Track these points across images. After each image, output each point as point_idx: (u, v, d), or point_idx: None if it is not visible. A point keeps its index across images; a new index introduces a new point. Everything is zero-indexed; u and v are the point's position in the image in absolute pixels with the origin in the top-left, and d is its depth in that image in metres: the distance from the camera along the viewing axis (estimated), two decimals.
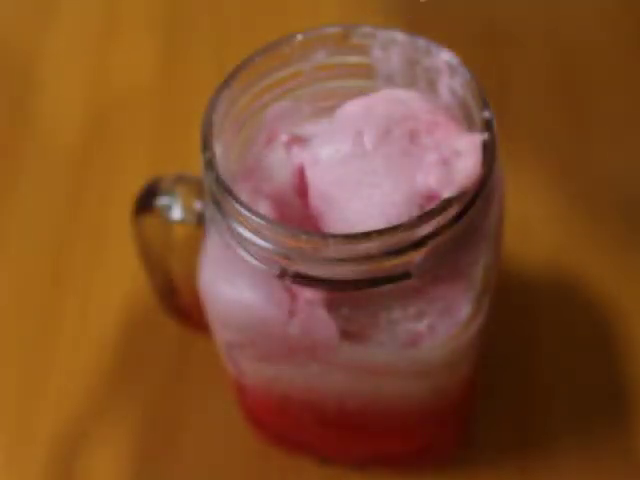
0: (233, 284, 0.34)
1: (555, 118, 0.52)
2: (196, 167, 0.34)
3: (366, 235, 0.30)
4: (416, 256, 0.31)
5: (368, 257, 0.30)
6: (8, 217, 0.50)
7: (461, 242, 0.32)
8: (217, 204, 0.32)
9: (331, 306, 0.32)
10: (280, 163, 0.34)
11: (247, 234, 0.31)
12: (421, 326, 0.33)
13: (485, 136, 0.32)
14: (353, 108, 0.33)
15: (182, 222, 0.37)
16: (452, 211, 0.31)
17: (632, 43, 0.55)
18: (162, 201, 0.38)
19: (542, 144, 0.51)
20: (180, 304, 0.42)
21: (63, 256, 0.48)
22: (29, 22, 0.58)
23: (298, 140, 0.34)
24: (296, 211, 0.33)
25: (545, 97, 0.53)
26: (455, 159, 0.31)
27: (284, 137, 0.34)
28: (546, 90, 0.53)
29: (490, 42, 0.55)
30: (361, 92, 0.34)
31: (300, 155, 0.33)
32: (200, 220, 0.36)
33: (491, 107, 0.32)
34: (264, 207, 0.32)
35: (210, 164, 0.32)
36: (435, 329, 0.33)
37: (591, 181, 0.50)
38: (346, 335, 0.33)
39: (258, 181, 0.33)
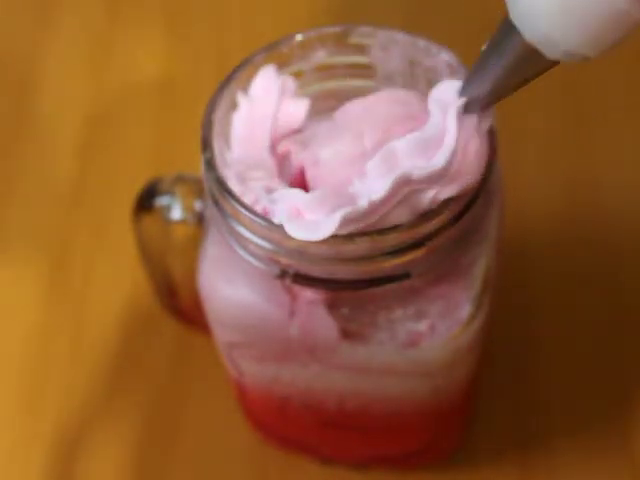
0: (233, 284, 0.34)
1: (555, 118, 0.52)
2: (196, 167, 0.34)
3: (366, 235, 0.30)
4: (416, 256, 0.31)
5: (368, 257, 0.31)
6: (8, 217, 0.50)
7: (461, 242, 0.32)
8: (217, 204, 0.32)
9: (331, 306, 0.33)
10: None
11: (247, 234, 0.31)
12: (421, 326, 0.33)
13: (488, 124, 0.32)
14: (353, 108, 0.33)
15: (182, 222, 0.37)
16: (452, 211, 0.31)
17: (632, 43, 0.55)
18: (162, 201, 0.38)
19: (542, 144, 0.51)
20: (180, 304, 0.42)
21: (63, 256, 0.48)
22: (29, 22, 0.58)
23: (298, 142, 0.34)
24: None
25: (545, 97, 0.53)
26: None
27: (284, 143, 0.34)
28: (546, 90, 0.53)
29: None
30: (361, 92, 0.34)
31: (300, 155, 0.33)
32: (200, 220, 0.36)
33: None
34: None
35: (210, 164, 0.32)
36: (435, 329, 0.33)
37: (591, 181, 0.50)
38: (346, 335, 0.33)
39: None
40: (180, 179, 0.38)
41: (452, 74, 0.33)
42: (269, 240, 0.31)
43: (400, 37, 0.34)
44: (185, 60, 0.56)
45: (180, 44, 0.57)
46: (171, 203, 0.37)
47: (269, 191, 0.31)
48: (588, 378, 0.43)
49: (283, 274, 0.32)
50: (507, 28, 0.29)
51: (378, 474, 0.42)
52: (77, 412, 0.44)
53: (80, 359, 0.45)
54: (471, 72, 0.31)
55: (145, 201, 0.38)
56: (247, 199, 0.31)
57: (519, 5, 0.28)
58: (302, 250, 0.31)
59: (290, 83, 0.35)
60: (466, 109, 0.31)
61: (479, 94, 0.30)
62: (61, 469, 0.42)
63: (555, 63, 0.29)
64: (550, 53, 0.28)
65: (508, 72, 0.30)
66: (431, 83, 0.34)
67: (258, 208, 0.31)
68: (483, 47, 0.30)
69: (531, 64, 0.29)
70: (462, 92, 0.31)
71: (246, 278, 0.33)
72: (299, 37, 0.35)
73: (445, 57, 0.34)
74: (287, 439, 0.41)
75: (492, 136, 0.32)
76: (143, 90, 0.55)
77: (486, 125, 0.31)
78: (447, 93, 0.31)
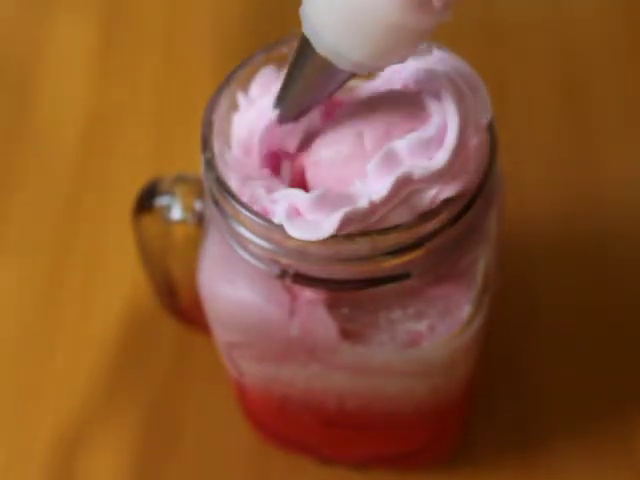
0: (233, 284, 0.34)
1: (555, 118, 0.52)
2: (196, 167, 0.34)
3: (366, 235, 0.30)
4: (416, 256, 0.31)
5: (368, 257, 0.31)
6: (8, 217, 0.50)
7: (461, 242, 0.32)
8: (217, 204, 0.32)
9: (331, 306, 0.32)
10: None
11: (247, 234, 0.31)
12: (421, 326, 0.33)
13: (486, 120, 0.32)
14: (353, 108, 0.33)
15: (182, 222, 0.37)
16: (452, 211, 0.31)
17: (632, 42, 0.55)
18: (162, 201, 0.38)
19: (542, 144, 0.51)
20: (180, 304, 0.42)
21: (63, 256, 0.48)
22: (29, 22, 0.58)
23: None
24: None
25: (545, 97, 0.53)
26: None
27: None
28: (546, 90, 0.53)
29: (490, 42, 0.55)
30: (361, 92, 0.34)
31: (300, 156, 0.33)
32: (200, 220, 0.36)
33: (491, 107, 0.32)
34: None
35: (210, 164, 0.32)
36: (435, 329, 0.33)
37: (591, 180, 0.50)
38: (346, 335, 0.33)
39: None
40: (180, 179, 0.38)
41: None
42: (269, 240, 0.31)
43: None
44: (185, 60, 0.56)
45: (180, 44, 0.57)
46: (171, 203, 0.37)
47: (269, 191, 0.31)
48: (588, 378, 0.44)
49: (283, 274, 0.32)
50: (303, 41, 0.30)
51: (378, 474, 0.42)
52: (77, 412, 0.44)
53: (80, 359, 0.45)
54: (281, 84, 0.32)
55: (145, 201, 0.38)
56: (247, 199, 0.31)
57: (308, 18, 0.29)
58: (302, 250, 0.31)
59: None
60: (280, 119, 0.32)
61: (289, 105, 0.31)
62: (61, 468, 0.42)
63: (351, 74, 0.30)
64: (341, 65, 0.29)
65: (309, 83, 0.31)
66: None
67: (258, 208, 0.31)
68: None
69: (327, 75, 0.30)
70: (275, 104, 0.32)
71: (246, 278, 0.33)
72: (299, 37, 0.35)
73: (445, 56, 0.34)
74: (287, 439, 0.41)
75: (492, 136, 0.32)
76: (143, 90, 0.55)
77: (484, 122, 0.31)
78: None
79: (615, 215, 0.48)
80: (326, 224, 0.30)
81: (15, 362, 0.45)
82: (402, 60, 0.30)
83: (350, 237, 0.30)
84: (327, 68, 0.30)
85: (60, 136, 0.53)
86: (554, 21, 0.56)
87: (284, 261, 0.31)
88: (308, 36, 0.29)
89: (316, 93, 0.31)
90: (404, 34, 0.28)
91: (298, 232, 0.30)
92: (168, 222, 0.38)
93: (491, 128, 0.32)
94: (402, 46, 0.29)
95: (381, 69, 0.30)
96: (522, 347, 0.44)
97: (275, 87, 0.34)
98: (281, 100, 0.32)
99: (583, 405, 0.43)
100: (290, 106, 0.32)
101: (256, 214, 0.31)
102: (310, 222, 0.30)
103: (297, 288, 0.32)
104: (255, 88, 0.34)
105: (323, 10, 0.29)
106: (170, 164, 0.50)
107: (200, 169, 0.33)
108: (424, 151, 0.30)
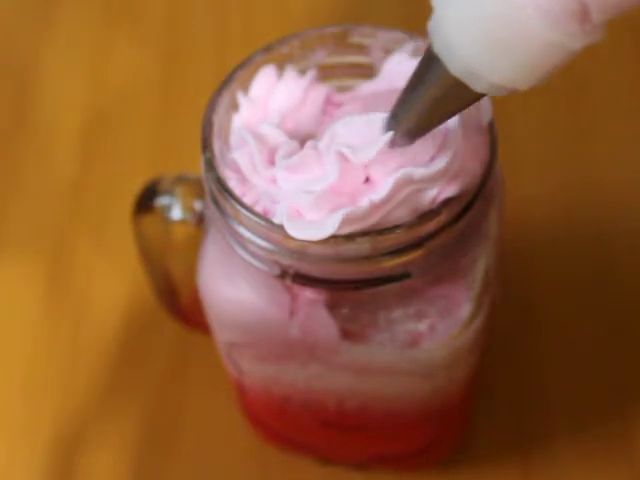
0: (233, 284, 0.34)
1: (555, 118, 0.52)
2: (196, 167, 0.34)
3: (366, 235, 0.30)
4: (416, 256, 0.31)
5: (368, 257, 0.31)
6: (8, 217, 0.50)
7: (461, 242, 0.32)
8: (217, 204, 0.32)
9: (331, 306, 0.33)
10: None
11: (247, 234, 0.31)
12: (421, 326, 0.33)
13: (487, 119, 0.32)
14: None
15: (182, 222, 0.37)
16: (452, 211, 0.31)
17: (633, 43, 0.55)
18: (162, 201, 0.38)
19: (542, 145, 0.51)
20: (180, 304, 0.42)
21: (63, 256, 0.48)
22: (29, 22, 0.58)
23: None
24: None
25: (545, 97, 0.53)
26: None
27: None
28: (546, 90, 0.53)
29: None
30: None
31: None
32: (200, 220, 0.36)
33: (491, 107, 0.32)
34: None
35: (210, 164, 0.32)
36: (435, 329, 0.33)
37: (592, 181, 0.50)
38: (346, 335, 0.33)
39: None
40: (180, 179, 0.38)
41: None
42: (269, 240, 0.31)
43: (400, 37, 0.34)
44: (185, 60, 0.56)
45: (180, 44, 0.57)
46: (171, 203, 0.37)
47: (269, 191, 0.31)
48: (588, 378, 0.43)
49: (283, 274, 0.32)
50: (431, 59, 0.27)
51: (378, 474, 0.42)
52: (77, 412, 0.44)
53: (80, 359, 0.45)
54: (396, 104, 0.30)
55: (145, 201, 0.38)
56: (247, 199, 0.31)
57: (442, 36, 0.27)
58: (302, 250, 0.31)
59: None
60: (394, 142, 0.30)
61: (406, 127, 0.29)
62: (61, 469, 0.42)
63: (482, 95, 0.28)
64: (475, 86, 0.27)
65: (434, 104, 0.28)
66: None
67: (258, 208, 0.31)
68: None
69: (457, 96, 0.28)
70: (388, 125, 0.30)
71: (246, 278, 0.33)
72: (299, 37, 0.35)
73: None
74: (287, 439, 0.41)
75: (492, 136, 0.32)
76: (143, 90, 0.55)
77: (484, 122, 0.31)
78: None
79: (616, 215, 0.48)
80: (326, 224, 0.30)
81: (15, 362, 0.45)
82: (540, 82, 0.27)
83: (350, 237, 0.30)
84: (458, 90, 0.27)
85: (60, 136, 0.53)
86: None
87: (284, 261, 0.31)
88: (439, 54, 0.27)
89: (439, 115, 0.29)
90: (555, 53, 0.26)
91: (298, 232, 0.30)
92: (168, 222, 0.38)
93: (491, 128, 0.32)
94: (548, 67, 0.26)
95: (516, 91, 0.27)
96: (522, 347, 0.44)
97: (277, 87, 0.34)
98: (397, 122, 0.29)
99: (583, 405, 0.43)
100: (408, 129, 0.29)
101: (256, 214, 0.31)
102: (310, 222, 0.30)
103: (297, 288, 0.32)
104: (255, 88, 0.34)
105: (462, 27, 0.26)
106: (170, 164, 0.50)
107: (200, 169, 0.33)
108: (424, 151, 0.30)
